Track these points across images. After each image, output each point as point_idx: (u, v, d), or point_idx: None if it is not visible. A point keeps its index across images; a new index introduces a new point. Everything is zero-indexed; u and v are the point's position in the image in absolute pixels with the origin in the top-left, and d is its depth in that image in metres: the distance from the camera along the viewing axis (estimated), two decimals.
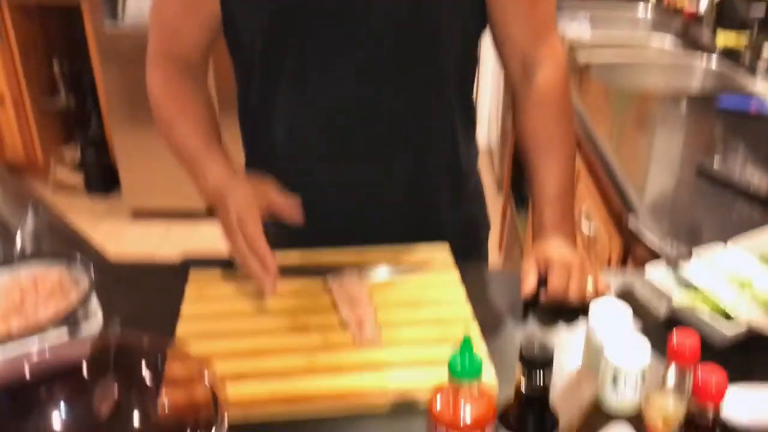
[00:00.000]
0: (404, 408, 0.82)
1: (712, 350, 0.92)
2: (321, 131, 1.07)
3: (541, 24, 1.09)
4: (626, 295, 1.04)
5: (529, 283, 0.99)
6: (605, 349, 0.63)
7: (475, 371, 0.64)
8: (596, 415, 0.65)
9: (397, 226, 1.14)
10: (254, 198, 0.98)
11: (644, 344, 0.63)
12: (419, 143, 1.10)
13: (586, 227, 1.65)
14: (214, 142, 1.06)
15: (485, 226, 1.29)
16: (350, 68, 1.02)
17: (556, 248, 1.04)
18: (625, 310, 0.69)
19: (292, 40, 1.01)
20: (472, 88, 1.17)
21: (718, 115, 1.77)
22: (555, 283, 0.98)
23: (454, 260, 1.08)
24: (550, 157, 1.10)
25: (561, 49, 1.13)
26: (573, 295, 0.97)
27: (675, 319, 0.97)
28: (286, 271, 1.00)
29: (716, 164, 1.45)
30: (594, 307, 0.69)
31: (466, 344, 0.64)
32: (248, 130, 1.16)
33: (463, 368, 0.64)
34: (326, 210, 1.11)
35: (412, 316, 0.95)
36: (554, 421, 0.66)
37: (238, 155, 1.15)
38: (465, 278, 1.04)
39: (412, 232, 1.13)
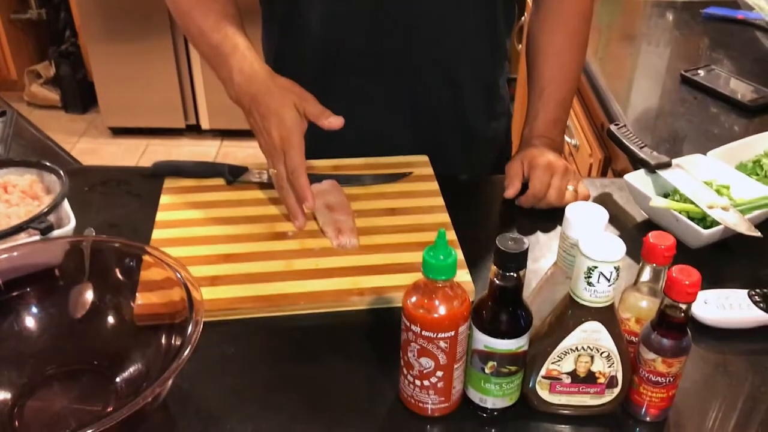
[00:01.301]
0: (380, 309, 0.83)
1: (687, 252, 0.93)
2: (358, 29, 1.04)
3: None
4: (605, 201, 1.04)
5: (514, 186, 1.00)
6: (580, 244, 0.63)
7: (449, 269, 0.64)
8: (570, 311, 0.66)
9: (425, 133, 1.13)
10: (299, 119, 0.91)
11: (618, 241, 0.63)
12: (456, 55, 1.08)
13: (568, 137, 1.64)
14: (240, 30, 0.97)
15: (508, 147, 1.28)
16: None
17: (541, 152, 1.03)
18: (601, 210, 0.69)
19: None
20: (514, 7, 1.14)
21: (705, 24, 1.73)
22: (536, 184, 0.98)
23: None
24: (557, 66, 1.09)
25: None
26: (552, 195, 0.98)
27: (652, 223, 0.98)
28: (266, 184, 0.99)
29: (701, 74, 1.44)
30: (570, 207, 0.69)
31: (440, 241, 0.64)
32: (274, 32, 1.12)
33: (436, 265, 0.64)
34: (357, 114, 1.08)
35: (390, 223, 0.95)
36: (527, 317, 0.67)
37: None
38: (450, 187, 1.03)
39: (438, 142, 1.12)
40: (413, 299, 0.66)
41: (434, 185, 1.03)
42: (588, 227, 0.67)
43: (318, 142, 1.10)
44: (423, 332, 0.66)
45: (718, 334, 0.82)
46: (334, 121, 0.92)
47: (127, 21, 2.87)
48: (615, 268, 0.63)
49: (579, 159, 1.59)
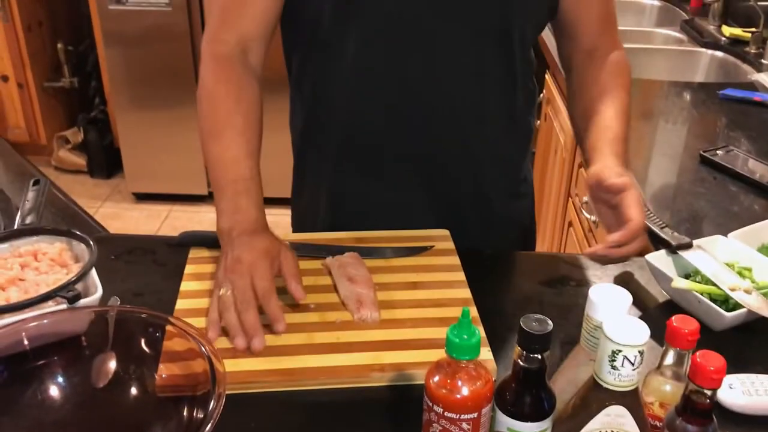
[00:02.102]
0: (401, 386, 0.83)
1: (710, 335, 0.92)
2: (380, 107, 1.07)
3: (608, 14, 1.14)
4: (626, 280, 1.04)
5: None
6: (604, 327, 0.63)
7: (473, 349, 0.64)
8: (593, 395, 0.65)
9: (448, 212, 1.14)
10: (271, 263, 0.89)
11: (642, 325, 0.63)
12: (476, 134, 1.10)
13: (589, 214, 1.65)
14: (255, 172, 0.97)
15: (532, 227, 1.29)
16: (416, 51, 1.02)
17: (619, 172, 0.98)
18: (625, 293, 0.69)
19: (359, 18, 1.00)
20: (534, 86, 1.18)
21: (722, 105, 1.76)
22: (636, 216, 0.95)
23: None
24: (613, 106, 1.08)
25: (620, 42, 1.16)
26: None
27: (673, 304, 0.97)
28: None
29: (719, 154, 1.45)
30: (594, 288, 0.69)
31: (465, 321, 0.64)
32: (300, 108, 1.15)
33: (460, 345, 0.64)
34: (377, 191, 1.13)
35: (411, 297, 0.95)
36: (551, 400, 0.66)
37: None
38: (471, 262, 1.03)
39: (459, 221, 1.13)
40: (436, 378, 0.66)
41: (455, 260, 1.04)
42: (612, 309, 0.67)
43: (339, 219, 1.13)
44: (446, 413, 0.65)
45: (743, 420, 0.80)
46: (297, 292, 0.90)
47: (153, 89, 2.96)
48: (639, 352, 0.62)
49: (599, 236, 1.60)
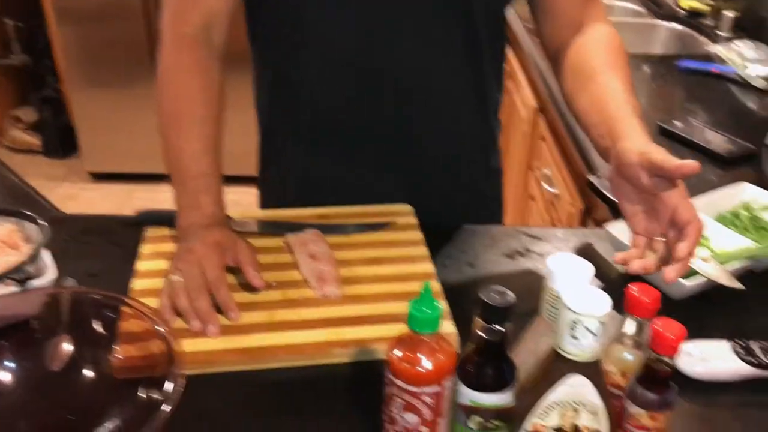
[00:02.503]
0: (364, 362, 0.82)
1: (669, 303, 0.93)
2: (348, 87, 1.04)
3: None
4: (586, 251, 1.05)
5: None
6: (564, 297, 0.63)
7: (434, 322, 0.64)
8: (554, 365, 0.66)
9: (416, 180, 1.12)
10: (223, 269, 0.88)
11: (603, 295, 0.63)
12: (444, 111, 1.08)
13: (548, 186, 1.66)
14: (216, 167, 0.96)
15: (500, 202, 1.27)
16: (381, 29, 0.99)
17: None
18: (586, 263, 0.69)
19: None
20: (503, 61, 1.13)
21: (680, 77, 1.78)
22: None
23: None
24: (622, 80, 0.95)
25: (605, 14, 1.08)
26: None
27: (634, 275, 0.98)
28: (247, 232, 0.98)
29: (677, 125, 1.46)
30: (553, 258, 0.69)
31: (426, 294, 0.64)
32: (265, 89, 1.12)
33: (422, 318, 0.63)
34: (347, 171, 1.10)
35: (373, 273, 0.95)
36: (512, 371, 0.66)
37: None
38: (434, 236, 1.03)
39: (432, 199, 1.11)
40: (397, 353, 0.66)
41: (417, 234, 1.03)
42: (572, 279, 0.67)
43: (306, 198, 1.11)
44: (408, 387, 0.65)
45: (702, 387, 0.82)
46: (255, 280, 0.88)
47: (109, 67, 2.89)
48: (600, 321, 0.62)
49: (560, 208, 1.61)
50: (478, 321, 0.65)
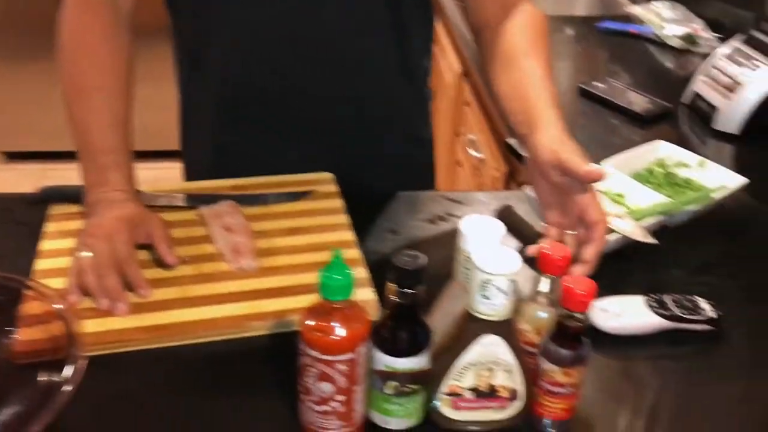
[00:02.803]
0: (282, 333, 0.80)
1: None
2: (264, 60, 1.01)
3: None
4: (508, 214, 1.05)
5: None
6: (474, 258, 0.62)
7: (345, 289, 0.62)
8: (468, 326, 0.65)
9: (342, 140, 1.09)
10: (133, 245, 0.85)
11: (513, 253, 0.63)
12: (367, 82, 1.05)
13: (474, 151, 1.66)
14: (125, 142, 0.92)
15: (431, 170, 1.25)
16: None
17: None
18: (497, 223, 0.68)
19: None
20: (431, 30, 1.10)
21: (601, 38, 1.79)
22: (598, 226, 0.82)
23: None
24: (541, 65, 0.93)
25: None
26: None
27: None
28: (159, 207, 0.95)
29: (597, 86, 1.48)
30: (465, 220, 0.69)
31: (336, 262, 0.62)
32: (184, 62, 1.08)
33: (332, 286, 0.62)
34: (266, 146, 1.07)
35: (291, 243, 0.93)
36: (426, 334, 0.65)
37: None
38: (358, 205, 1.01)
39: (354, 171, 1.08)
40: (310, 322, 0.64)
41: (337, 203, 1.01)
42: (483, 240, 0.67)
43: (227, 172, 1.07)
44: (321, 356, 0.63)
45: (618, 342, 0.83)
46: (168, 257, 0.86)
47: (17, 39, 2.74)
48: (510, 280, 0.62)
49: (485, 173, 1.61)
50: (391, 285, 0.64)
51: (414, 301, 0.64)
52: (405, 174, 1.17)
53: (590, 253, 0.81)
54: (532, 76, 0.92)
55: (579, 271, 0.80)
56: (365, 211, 1.03)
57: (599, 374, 0.79)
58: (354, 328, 0.63)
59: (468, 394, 0.68)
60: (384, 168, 1.14)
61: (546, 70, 0.94)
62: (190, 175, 1.17)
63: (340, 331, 0.63)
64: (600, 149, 1.27)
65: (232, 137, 1.09)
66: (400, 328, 0.65)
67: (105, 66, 0.92)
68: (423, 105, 1.17)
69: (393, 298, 0.64)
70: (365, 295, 0.84)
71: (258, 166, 1.07)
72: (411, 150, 1.18)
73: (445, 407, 0.69)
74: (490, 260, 0.62)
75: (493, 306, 0.63)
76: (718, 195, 1.01)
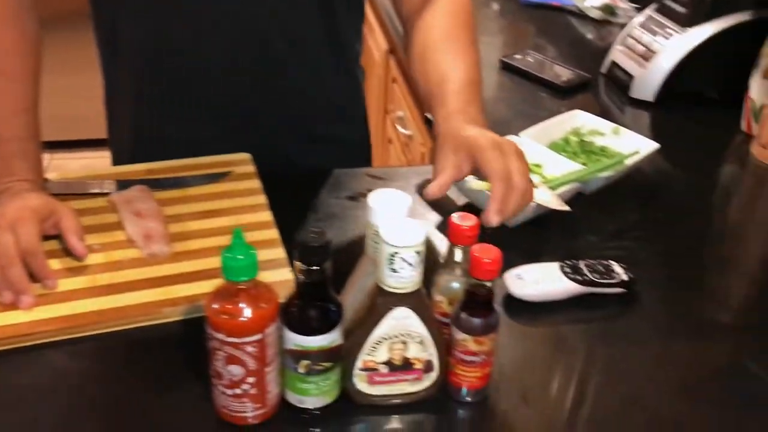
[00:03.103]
0: (195, 318, 0.79)
1: (505, 231, 0.95)
2: (184, 38, 0.98)
3: None
4: (425, 187, 1.05)
5: (445, 175, 0.83)
6: (380, 231, 0.62)
7: (248, 269, 0.61)
8: (379, 300, 0.65)
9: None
10: (39, 237, 0.80)
11: (419, 225, 0.63)
12: (293, 59, 1.03)
13: (402, 128, 1.66)
14: (33, 130, 0.89)
15: (366, 147, 1.24)
16: None
17: (478, 131, 0.83)
18: (404, 196, 0.68)
19: None
20: (361, 10, 1.09)
21: (525, 11, 1.80)
22: (496, 165, 0.80)
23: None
24: (454, 52, 0.95)
25: None
26: (519, 183, 0.81)
27: (473, 207, 0.99)
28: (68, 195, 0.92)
29: (518, 58, 1.49)
30: (372, 194, 0.68)
31: (237, 242, 0.61)
32: (101, 38, 1.04)
33: (235, 266, 0.61)
34: (187, 125, 1.04)
35: (207, 227, 0.91)
36: (337, 310, 0.65)
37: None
38: (279, 185, 0.99)
39: (280, 150, 1.07)
40: (215, 305, 0.63)
41: (255, 183, 0.99)
42: (391, 213, 0.66)
43: (156, 159, 1.04)
44: (228, 338, 0.62)
45: (534, 308, 0.84)
46: (77, 249, 0.83)
47: None
48: (416, 252, 0.62)
49: (414, 149, 1.61)
50: (297, 264, 0.63)
51: (321, 278, 0.63)
52: (337, 153, 1.16)
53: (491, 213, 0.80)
54: (444, 67, 0.94)
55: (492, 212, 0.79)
56: (289, 190, 1.01)
57: (515, 341, 0.80)
58: (261, 309, 0.62)
59: (383, 369, 0.68)
60: (314, 147, 1.12)
61: (460, 59, 0.95)
62: (117, 162, 1.14)
63: (247, 313, 0.62)
64: (521, 121, 1.28)
65: (152, 121, 1.06)
66: (309, 306, 0.64)
67: (8, 51, 0.89)
68: (354, 84, 1.16)
69: (300, 276, 0.63)
70: (283, 275, 0.83)
71: (181, 150, 1.04)
72: (343, 129, 1.16)
73: (360, 383, 0.69)
74: (397, 233, 0.62)
75: (401, 279, 0.63)
76: (631, 161, 1.03)
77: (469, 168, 0.83)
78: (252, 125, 1.06)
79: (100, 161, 1.26)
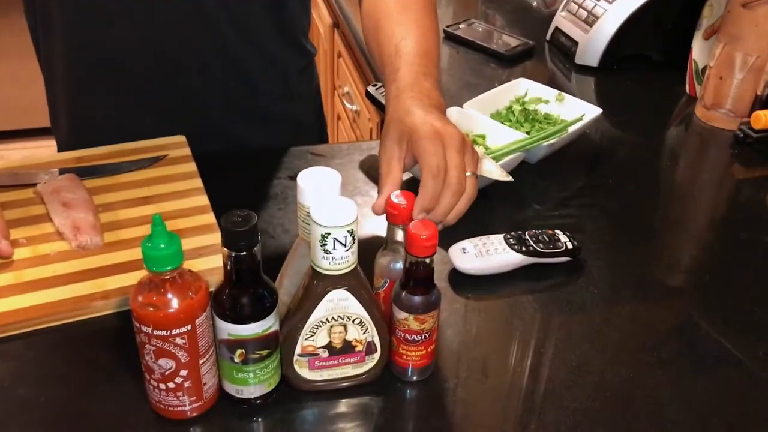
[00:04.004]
0: (128, 311, 0.75)
1: None
2: (124, 17, 0.93)
3: None
4: (372, 164, 1.03)
5: (391, 177, 0.75)
6: (311, 212, 0.59)
7: (172, 258, 0.58)
8: (314, 283, 0.63)
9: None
10: None
11: (350, 204, 0.60)
12: (235, 35, 0.98)
13: (348, 104, 1.63)
14: None
15: (319, 126, 1.20)
16: None
17: (419, 116, 0.76)
18: (333, 173, 0.65)
19: None
20: None
21: None
22: (430, 159, 0.73)
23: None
24: (408, 22, 0.89)
25: None
26: (452, 179, 0.73)
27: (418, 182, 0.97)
28: None
29: (461, 27, 1.46)
30: (302, 174, 0.65)
31: (158, 229, 0.58)
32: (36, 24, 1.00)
33: (157, 256, 0.58)
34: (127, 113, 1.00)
35: (140, 214, 0.87)
36: (270, 296, 0.62)
37: None
38: (219, 166, 0.96)
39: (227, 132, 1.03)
40: (140, 297, 0.60)
41: (192, 166, 0.96)
42: (321, 193, 0.64)
43: (81, 144, 1.00)
44: (155, 331, 0.59)
45: (480, 282, 0.83)
46: (3, 249, 0.78)
47: None
48: (348, 231, 0.60)
49: (361, 125, 1.58)
50: (224, 250, 0.60)
51: (251, 264, 0.60)
52: (289, 133, 1.13)
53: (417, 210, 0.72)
54: (387, 43, 0.88)
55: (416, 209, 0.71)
56: (228, 172, 0.98)
57: (460, 317, 0.79)
58: (189, 299, 0.60)
59: (323, 353, 0.66)
60: (264, 127, 1.09)
61: (414, 29, 0.89)
62: (62, 150, 1.09)
63: (174, 303, 0.59)
64: (467, 92, 1.27)
65: (89, 107, 1.01)
66: (241, 293, 0.61)
67: None
68: (303, 59, 1.12)
69: (228, 263, 0.60)
70: (221, 262, 0.80)
71: (123, 136, 1.00)
72: (293, 107, 1.13)
73: (301, 368, 0.67)
74: (327, 213, 0.59)
75: (335, 260, 0.61)
76: (575, 127, 1.02)
77: (411, 160, 0.78)
78: (196, 106, 1.02)
79: (45, 151, 1.21)
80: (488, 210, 0.94)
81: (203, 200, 0.90)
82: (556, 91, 1.10)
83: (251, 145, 1.07)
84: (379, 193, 0.75)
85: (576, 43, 1.35)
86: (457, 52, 1.41)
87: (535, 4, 1.66)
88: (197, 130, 1.01)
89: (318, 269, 0.62)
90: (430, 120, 0.77)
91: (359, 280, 0.64)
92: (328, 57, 1.88)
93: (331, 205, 0.60)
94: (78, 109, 1.03)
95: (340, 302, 0.63)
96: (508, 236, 0.84)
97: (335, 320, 0.64)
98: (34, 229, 0.83)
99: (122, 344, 0.72)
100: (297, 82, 1.13)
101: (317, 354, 0.66)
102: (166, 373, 0.61)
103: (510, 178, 0.90)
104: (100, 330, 0.74)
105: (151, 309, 0.59)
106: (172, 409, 0.64)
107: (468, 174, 0.75)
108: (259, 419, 0.67)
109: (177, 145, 1.00)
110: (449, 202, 0.74)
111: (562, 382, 0.72)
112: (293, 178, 1.00)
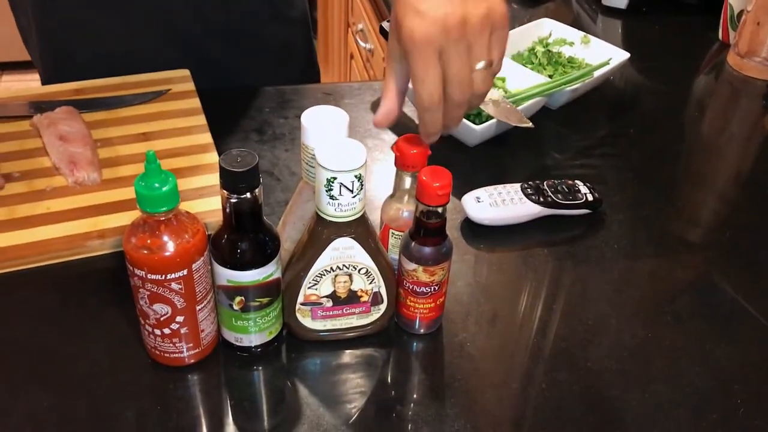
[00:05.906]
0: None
1: (467, 152, 0.89)
2: None
3: None
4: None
5: (388, 100, 0.64)
6: (316, 154, 0.55)
7: (167, 198, 0.54)
8: (319, 230, 0.59)
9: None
10: None
11: (358, 146, 0.56)
12: None
13: (363, 42, 1.57)
14: None
15: (311, 59, 1.13)
16: None
17: (416, 17, 0.56)
18: (340, 113, 0.61)
19: None
20: None
21: None
22: (419, 88, 0.59)
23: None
24: None
25: None
26: (453, 90, 0.59)
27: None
28: None
29: None
30: (306, 113, 0.61)
31: (152, 167, 0.54)
32: None
33: (151, 196, 0.54)
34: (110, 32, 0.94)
35: (140, 151, 0.83)
36: (272, 241, 0.59)
37: None
38: (220, 102, 0.91)
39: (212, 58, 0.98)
40: (133, 239, 0.56)
41: (195, 102, 0.91)
42: (328, 134, 0.59)
43: (61, 70, 0.95)
44: (149, 275, 0.56)
45: (495, 232, 0.79)
46: None
47: None
48: (356, 176, 0.56)
49: (375, 64, 1.52)
50: (223, 192, 0.56)
51: (253, 207, 0.57)
52: (280, 61, 1.06)
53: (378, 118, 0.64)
54: None
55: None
56: (231, 109, 0.94)
57: (471, 268, 0.75)
58: (185, 242, 0.56)
59: (326, 302, 0.63)
60: (250, 54, 1.03)
61: None
62: (47, 81, 1.04)
63: (169, 247, 0.56)
64: None
65: (94, 39, 0.96)
66: (241, 238, 0.58)
67: None
68: None
69: (228, 206, 0.57)
70: (217, 204, 0.76)
71: (101, 68, 0.95)
72: (280, 31, 1.05)
73: (303, 318, 0.64)
74: (334, 156, 0.55)
75: (341, 206, 0.57)
76: (600, 72, 0.96)
77: None
78: (186, 33, 0.96)
79: (27, 84, 1.17)
80: (505, 157, 0.89)
81: (206, 138, 0.86)
82: (582, 33, 1.04)
83: (238, 76, 1.00)
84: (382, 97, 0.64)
85: None
86: None
87: None
88: (177, 53, 0.96)
89: (323, 215, 0.58)
90: (429, 18, 0.56)
91: (367, 228, 0.60)
92: None
93: (337, 148, 0.56)
94: (46, 16, 0.96)
95: (345, 251, 0.60)
96: (526, 186, 0.80)
97: (340, 269, 0.61)
98: (29, 163, 0.80)
99: (118, 286, 0.69)
100: (283, 4, 1.06)
101: (320, 303, 0.63)
102: (162, 318, 0.59)
103: (530, 124, 0.86)
104: (96, 270, 0.71)
105: (145, 252, 0.56)
106: (168, 355, 0.62)
107: (479, 66, 0.59)
108: (260, 368, 0.64)
109: (180, 78, 0.95)
110: (454, 117, 0.61)
111: (577, 341, 0.69)
112: (298, 118, 0.95)
